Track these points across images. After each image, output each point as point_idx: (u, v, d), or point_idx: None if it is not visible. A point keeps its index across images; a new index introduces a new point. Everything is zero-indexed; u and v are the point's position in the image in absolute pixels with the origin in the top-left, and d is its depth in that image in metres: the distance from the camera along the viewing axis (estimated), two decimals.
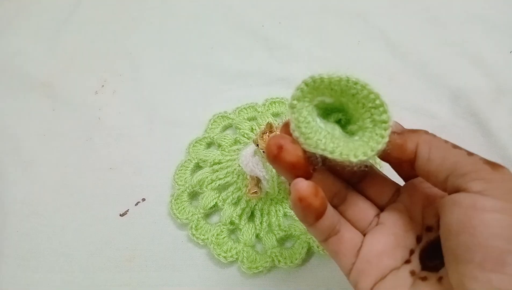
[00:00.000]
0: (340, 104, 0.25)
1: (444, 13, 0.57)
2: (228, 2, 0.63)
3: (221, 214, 0.41)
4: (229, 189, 0.42)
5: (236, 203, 0.41)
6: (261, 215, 0.40)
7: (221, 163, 0.44)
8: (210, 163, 0.44)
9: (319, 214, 0.24)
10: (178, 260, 0.40)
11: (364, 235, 0.27)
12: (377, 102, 0.23)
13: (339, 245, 0.26)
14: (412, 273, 0.24)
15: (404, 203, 0.27)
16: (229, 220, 0.40)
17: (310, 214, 0.24)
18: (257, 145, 0.37)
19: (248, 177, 0.39)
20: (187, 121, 0.50)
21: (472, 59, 0.51)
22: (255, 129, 0.46)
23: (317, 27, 0.59)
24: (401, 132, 0.25)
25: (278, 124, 0.45)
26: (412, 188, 0.27)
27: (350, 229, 0.27)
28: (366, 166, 0.25)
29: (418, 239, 0.26)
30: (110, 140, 0.49)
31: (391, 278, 0.25)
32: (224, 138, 0.46)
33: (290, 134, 0.24)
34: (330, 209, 0.25)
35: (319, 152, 0.24)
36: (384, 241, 0.26)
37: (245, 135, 0.46)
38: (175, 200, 0.42)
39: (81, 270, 0.40)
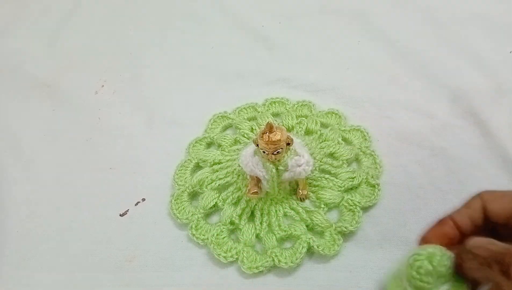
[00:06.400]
0: None
1: (444, 13, 0.57)
2: (228, 2, 0.63)
3: (221, 214, 0.41)
4: (229, 189, 0.42)
5: (236, 203, 0.41)
6: (261, 215, 0.40)
7: (221, 163, 0.44)
8: (210, 163, 0.44)
9: None
10: (178, 260, 0.40)
11: None
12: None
13: None
14: None
15: None
16: (229, 220, 0.40)
17: None
18: (257, 145, 0.36)
19: (248, 177, 0.39)
20: (187, 121, 0.50)
21: (471, 59, 0.51)
22: (255, 129, 0.46)
23: (317, 27, 0.59)
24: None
25: (278, 124, 0.45)
26: None
27: None
28: None
29: None
30: (110, 140, 0.49)
31: None
32: (224, 138, 0.46)
33: None
34: None
35: None
36: None
37: (245, 135, 0.46)
38: (175, 200, 0.42)
39: (81, 270, 0.40)
